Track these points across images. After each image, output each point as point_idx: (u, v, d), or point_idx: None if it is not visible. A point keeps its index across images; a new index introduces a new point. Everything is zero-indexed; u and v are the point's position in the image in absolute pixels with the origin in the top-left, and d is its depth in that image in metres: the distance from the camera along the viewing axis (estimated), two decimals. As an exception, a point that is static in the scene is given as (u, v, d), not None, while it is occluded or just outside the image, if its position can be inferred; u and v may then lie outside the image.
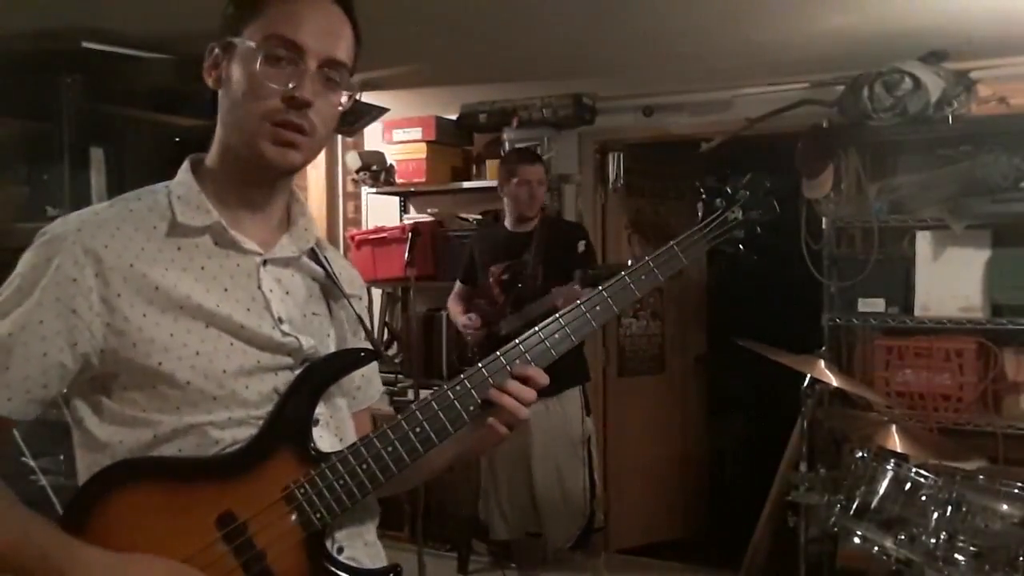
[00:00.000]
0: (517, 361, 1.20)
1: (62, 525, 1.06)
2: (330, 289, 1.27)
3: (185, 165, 1.19)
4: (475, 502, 4.33)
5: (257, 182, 1.17)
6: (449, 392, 1.18)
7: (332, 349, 1.23)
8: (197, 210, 1.14)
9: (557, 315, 1.20)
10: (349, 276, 1.32)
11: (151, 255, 1.11)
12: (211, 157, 1.19)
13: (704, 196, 1.24)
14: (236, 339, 1.12)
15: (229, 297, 1.13)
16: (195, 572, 1.07)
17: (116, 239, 1.10)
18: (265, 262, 1.17)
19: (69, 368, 1.08)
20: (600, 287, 1.21)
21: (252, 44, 1.10)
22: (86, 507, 1.08)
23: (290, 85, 1.10)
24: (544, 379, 1.20)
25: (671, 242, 1.22)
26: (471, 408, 1.18)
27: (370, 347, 1.29)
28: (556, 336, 1.20)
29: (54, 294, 1.06)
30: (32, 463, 2.36)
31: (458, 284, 3.75)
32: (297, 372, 1.16)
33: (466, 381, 1.18)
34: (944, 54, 3.42)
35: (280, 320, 1.16)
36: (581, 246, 3.41)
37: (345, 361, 1.23)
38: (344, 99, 1.16)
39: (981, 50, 3.39)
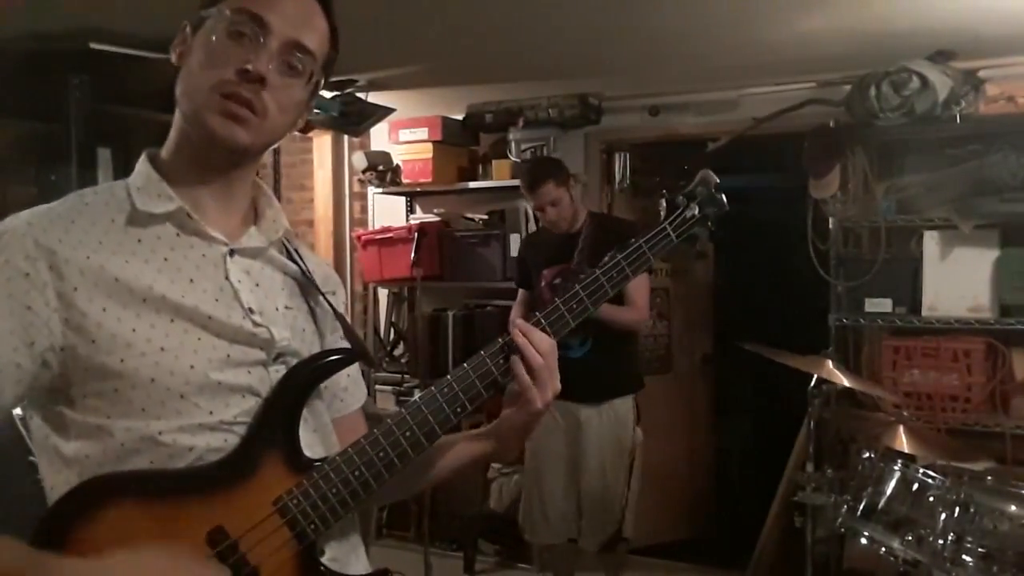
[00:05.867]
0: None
1: None
2: (305, 285, 1.22)
3: (143, 158, 1.14)
4: (482, 501, 4.34)
5: (213, 165, 1.11)
6: (437, 395, 1.16)
7: (311, 344, 1.18)
8: (158, 198, 1.09)
9: (538, 316, 1.21)
10: (323, 273, 1.28)
11: (109, 247, 1.05)
12: (167, 146, 1.14)
13: (666, 194, 1.29)
14: (204, 332, 1.06)
15: (195, 288, 1.07)
16: (190, 561, 1.00)
17: (71, 233, 1.04)
18: (232, 252, 1.12)
19: (25, 368, 1.00)
20: (577, 285, 1.22)
21: (216, 11, 1.07)
22: (59, 531, 0.99)
23: (241, 58, 1.05)
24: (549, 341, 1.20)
25: (639, 240, 1.25)
26: (459, 410, 1.16)
27: (350, 346, 1.24)
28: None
29: (5, 291, 1.00)
30: (38, 463, 2.37)
31: (520, 292, 3.67)
32: (271, 369, 1.11)
33: (454, 383, 1.17)
34: (952, 53, 3.41)
35: (250, 310, 1.10)
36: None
37: (329, 361, 1.17)
38: (307, 88, 1.11)
39: (989, 49, 3.38)
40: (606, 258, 1.25)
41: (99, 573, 0.96)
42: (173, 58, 1.11)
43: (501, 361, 1.18)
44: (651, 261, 1.25)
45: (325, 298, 1.23)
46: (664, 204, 1.28)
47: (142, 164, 1.13)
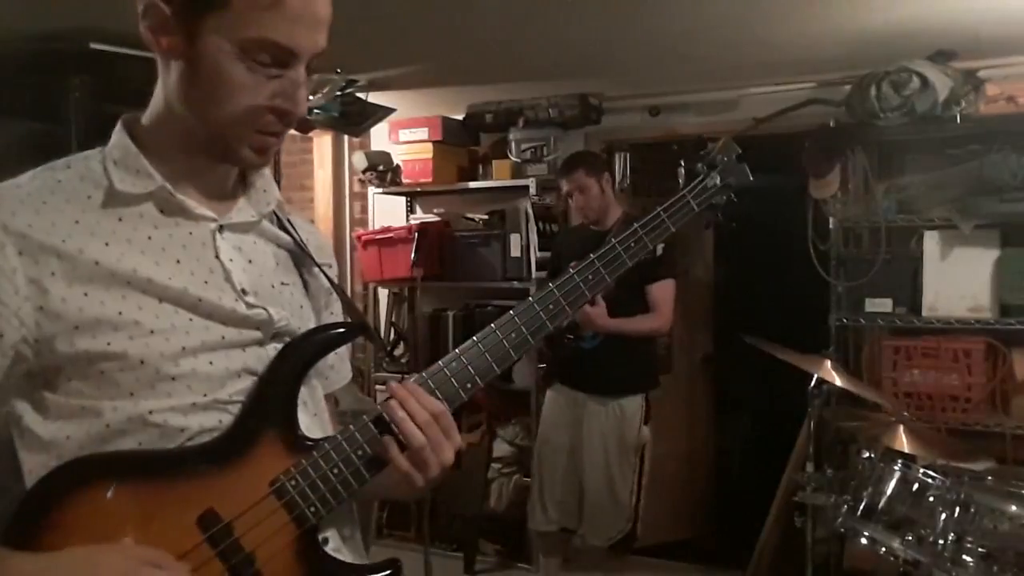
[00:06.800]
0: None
1: (5, 541, 0.91)
2: (299, 257, 1.15)
3: (119, 126, 1.05)
4: (482, 501, 4.35)
5: (206, 154, 1.04)
6: (445, 369, 1.10)
7: (307, 321, 1.11)
8: (137, 175, 1.01)
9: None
10: (317, 243, 1.21)
11: (87, 228, 0.97)
12: (152, 117, 1.05)
13: (684, 163, 1.25)
14: (195, 314, 1.00)
15: (182, 269, 1.01)
16: (156, 553, 0.92)
17: (43, 214, 0.96)
18: (221, 228, 1.05)
19: None
20: (592, 255, 1.17)
21: (231, 48, 0.95)
22: (35, 517, 0.92)
23: (278, 98, 0.99)
24: (439, 407, 1.06)
25: (658, 208, 1.20)
26: (468, 386, 1.10)
27: (351, 320, 1.19)
28: (549, 305, 1.15)
29: None
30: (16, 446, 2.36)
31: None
32: (269, 347, 1.05)
33: (462, 357, 1.10)
34: (952, 53, 3.41)
35: (243, 291, 1.04)
36: (659, 248, 3.36)
37: (329, 336, 1.11)
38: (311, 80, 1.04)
39: (989, 49, 3.38)
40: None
41: (47, 568, 0.90)
42: (156, 50, 1.00)
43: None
44: (670, 230, 1.20)
45: (323, 271, 1.17)
46: (683, 172, 1.24)
47: (119, 134, 1.04)
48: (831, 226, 3.73)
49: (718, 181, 1.23)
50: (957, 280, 3.49)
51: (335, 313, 1.21)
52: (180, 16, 0.96)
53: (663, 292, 3.33)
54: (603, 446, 3.40)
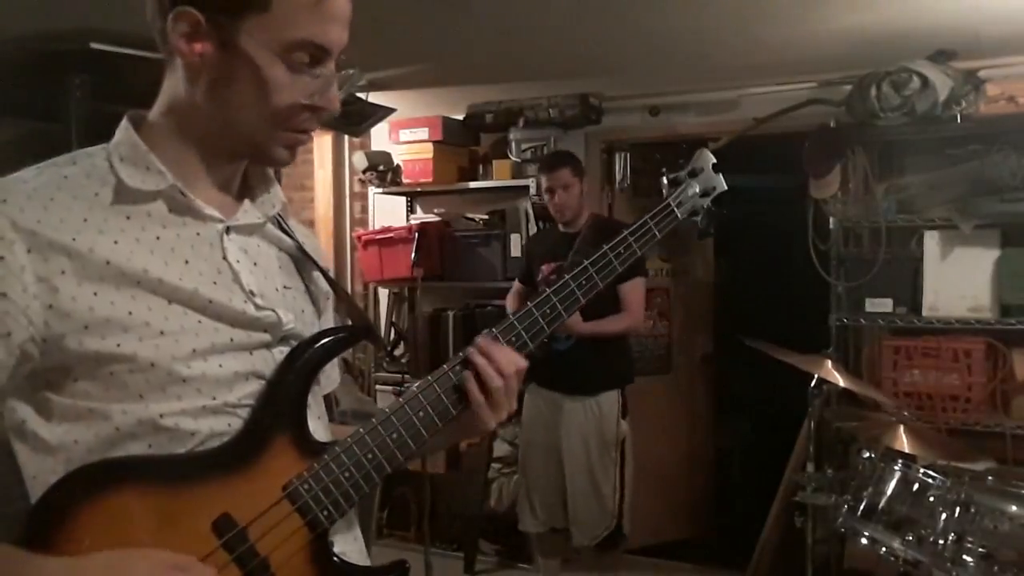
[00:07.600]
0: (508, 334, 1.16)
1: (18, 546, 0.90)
2: (299, 261, 1.15)
3: (124, 123, 1.03)
4: (482, 501, 4.35)
5: (222, 152, 1.04)
6: (450, 372, 1.12)
7: (311, 326, 1.11)
8: (147, 172, 0.99)
9: (549, 292, 1.20)
10: (314, 246, 1.20)
11: (96, 226, 0.95)
12: (165, 116, 1.03)
13: (666, 173, 1.33)
14: (204, 316, 0.99)
15: (191, 269, 1.00)
16: (182, 557, 0.92)
17: (51, 211, 0.94)
18: (228, 229, 1.04)
19: (2, 362, 0.92)
20: (585, 262, 1.22)
21: (271, 50, 0.96)
22: (51, 522, 0.91)
23: (316, 96, 1.01)
24: (522, 363, 1.15)
25: (645, 217, 1.26)
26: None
27: (353, 322, 1.20)
28: (546, 309, 1.19)
29: None
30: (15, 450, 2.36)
31: (516, 283, 3.81)
32: (275, 350, 1.05)
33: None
34: (952, 53, 3.41)
35: (252, 293, 1.03)
36: None
37: (337, 339, 1.10)
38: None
39: (990, 49, 3.38)
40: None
41: (73, 573, 0.89)
42: (185, 55, 0.98)
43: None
44: (657, 237, 1.26)
45: (324, 273, 1.17)
46: (666, 182, 1.31)
47: (125, 131, 1.02)
48: (831, 226, 3.73)
49: (697, 190, 1.30)
50: (957, 280, 3.49)
51: (329, 319, 1.22)
52: (215, 21, 0.96)
53: (634, 290, 3.37)
54: (583, 443, 3.42)
